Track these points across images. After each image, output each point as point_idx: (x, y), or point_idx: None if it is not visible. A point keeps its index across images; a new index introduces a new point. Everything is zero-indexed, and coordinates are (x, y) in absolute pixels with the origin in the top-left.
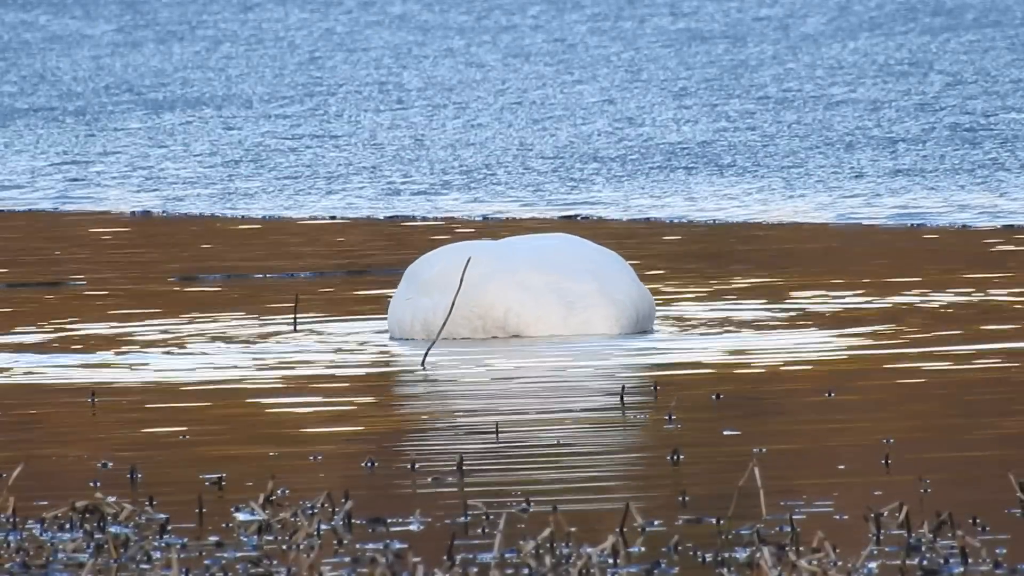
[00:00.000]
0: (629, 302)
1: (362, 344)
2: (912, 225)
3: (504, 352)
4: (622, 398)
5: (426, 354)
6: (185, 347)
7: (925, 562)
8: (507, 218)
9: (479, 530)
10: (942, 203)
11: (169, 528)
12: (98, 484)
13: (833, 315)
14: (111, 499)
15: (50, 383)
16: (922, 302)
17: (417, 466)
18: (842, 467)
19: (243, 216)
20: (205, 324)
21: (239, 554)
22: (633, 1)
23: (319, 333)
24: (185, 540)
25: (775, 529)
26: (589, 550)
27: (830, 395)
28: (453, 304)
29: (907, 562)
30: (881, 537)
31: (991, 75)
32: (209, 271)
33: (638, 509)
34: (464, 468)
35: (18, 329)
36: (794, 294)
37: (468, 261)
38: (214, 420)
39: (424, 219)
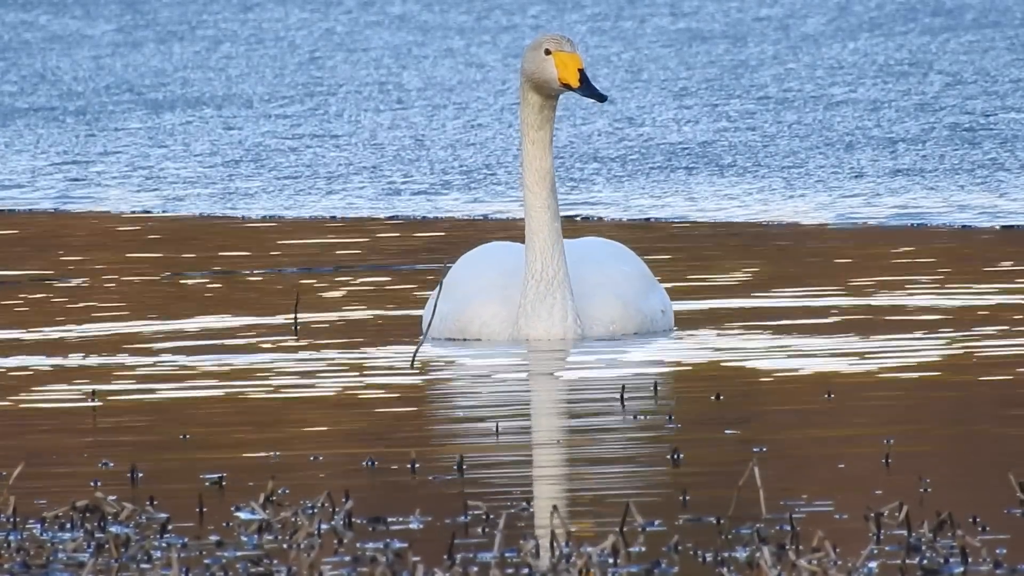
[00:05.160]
0: (602, 323)
1: (362, 343)
2: (912, 225)
3: (504, 352)
4: (622, 398)
5: (415, 355)
6: (185, 346)
7: (925, 562)
8: (507, 218)
9: (479, 530)
10: (942, 203)
11: (169, 528)
12: (98, 484)
13: (833, 315)
14: (111, 499)
15: (50, 383)
16: (922, 303)
17: (417, 466)
18: (842, 467)
19: (243, 216)
20: (205, 323)
21: (239, 553)
22: (633, 1)
23: (318, 332)
24: (185, 540)
25: (775, 529)
26: (589, 550)
27: (830, 395)
28: (435, 307)
29: (907, 562)
30: (881, 537)
31: (991, 75)
32: (207, 269)
33: (638, 509)
34: (464, 468)
35: (18, 329)
36: (795, 294)
37: (446, 268)
38: (214, 420)
39: (424, 219)
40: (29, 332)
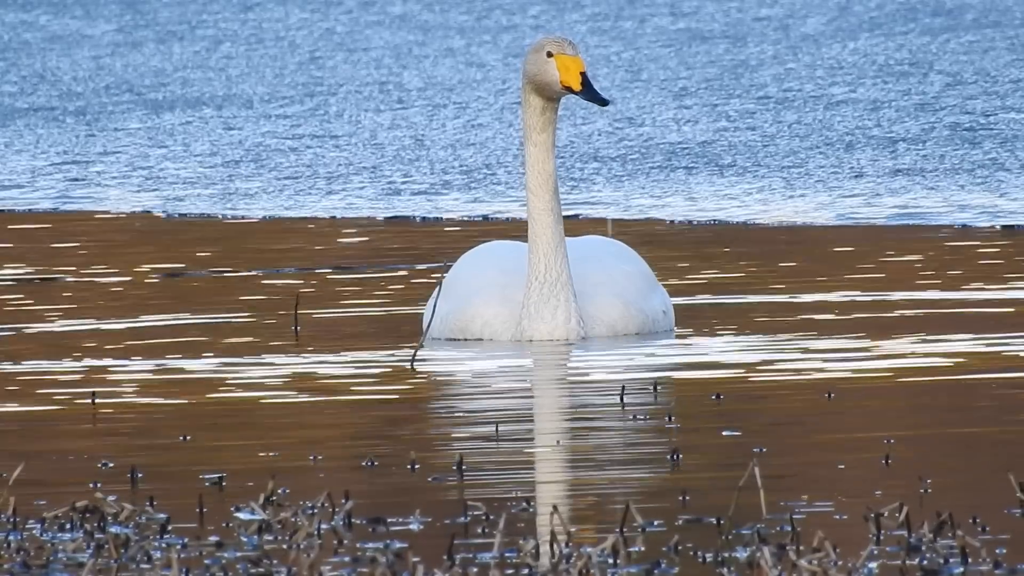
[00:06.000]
0: (604, 323)
1: (362, 343)
2: (912, 225)
3: (503, 352)
4: (622, 398)
5: (414, 356)
6: (185, 346)
7: (925, 562)
8: (507, 218)
9: (479, 530)
10: (942, 203)
11: (169, 528)
12: (98, 484)
13: (833, 315)
14: (111, 499)
15: (50, 383)
16: (922, 302)
17: (417, 466)
18: (842, 467)
19: (243, 216)
20: (204, 323)
21: (239, 554)
22: (633, 1)
23: (318, 332)
24: (185, 540)
25: (775, 529)
26: (589, 550)
27: (830, 396)
28: (434, 309)
29: (907, 562)
30: (881, 537)
31: (991, 75)
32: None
33: (638, 509)
34: (464, 468)
35: (18, 329)
36: (794, 294)
37: (445, 267)
38: (214, 420)
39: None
40: (29, 332)
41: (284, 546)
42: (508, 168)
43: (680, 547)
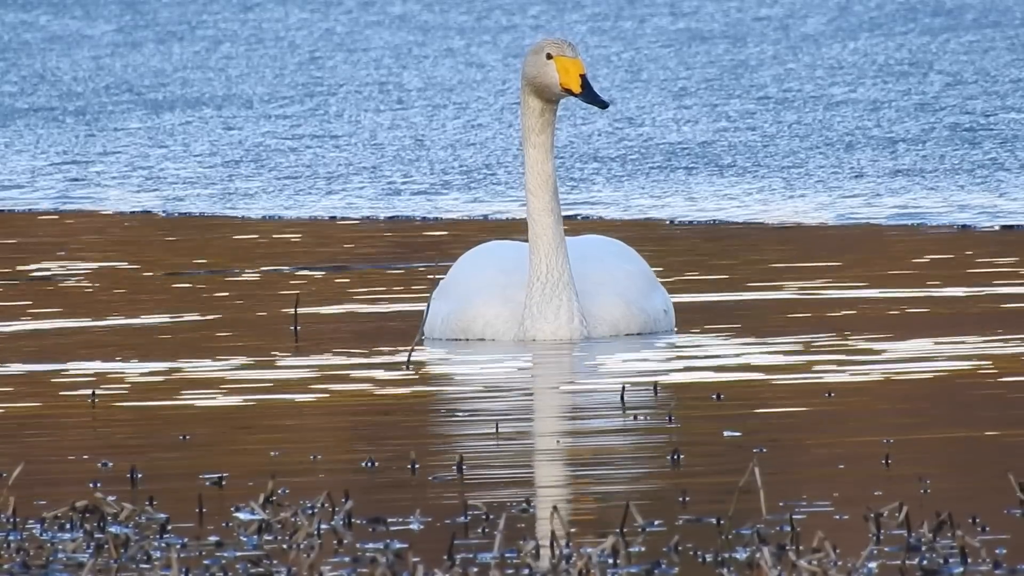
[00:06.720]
0: (606, 323)
1: (362, 343)
2: (912, 225)
3: (503, 352)
4: (622, 398)
5: (409, 355)
6: (184, 346)
7: (925, 562)
8: (507, 218)
9: (479, 530)
10: (942, 203)
11: (169, 528)
12: (98, 484)
13: (833, 315)
14: (111, 499)
15: (50, 383)
16: (922, 302)
17: (417, 466)
18: (842, 467)
19: (243, 216)
20: (204, 323)
21: (239, 554)
22: (633, 1)
23: (317, 332)
24: (185, 540)
25: (775, 529)
26: (589, 550)
27: (830, 395)
28: (428, 309)
29: (907, 562)
30: (881, 537)
31: (991, 75)
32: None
33: (638, 509)
34: (464, 468)
35: (18, 328)
36: (794, 293)
37: (438, 267)
38: (214, 420)
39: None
40: (29, 332)
41: (284, 546)
42: (508, 168)
43: (680, 547)
